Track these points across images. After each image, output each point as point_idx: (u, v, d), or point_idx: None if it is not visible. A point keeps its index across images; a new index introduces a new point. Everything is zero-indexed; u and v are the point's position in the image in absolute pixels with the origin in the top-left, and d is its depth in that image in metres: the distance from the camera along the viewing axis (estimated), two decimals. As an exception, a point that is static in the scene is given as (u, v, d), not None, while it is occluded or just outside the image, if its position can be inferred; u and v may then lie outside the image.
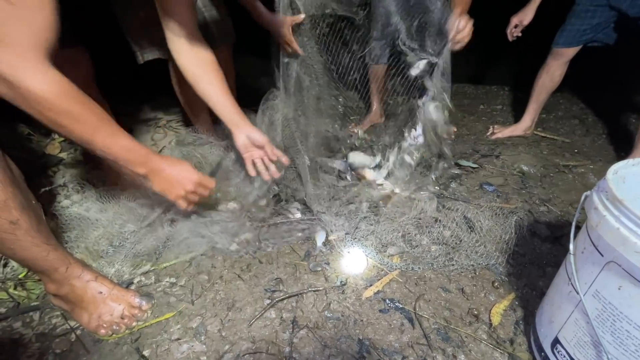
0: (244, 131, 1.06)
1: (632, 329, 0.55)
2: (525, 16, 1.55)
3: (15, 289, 0.94)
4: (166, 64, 1.40)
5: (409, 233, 1.11)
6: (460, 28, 1.14)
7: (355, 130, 1.60)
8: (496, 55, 2.51)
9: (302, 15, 1.19)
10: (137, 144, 0.77)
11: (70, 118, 0.67)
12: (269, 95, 1.35)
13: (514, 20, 1.59)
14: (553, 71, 1.62)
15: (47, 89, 0.62)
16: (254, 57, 1.87)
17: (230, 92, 1.02)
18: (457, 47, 1.18)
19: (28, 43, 0.58)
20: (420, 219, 1.16)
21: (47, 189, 1.27)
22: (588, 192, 0.64)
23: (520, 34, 1.61)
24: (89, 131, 0.70)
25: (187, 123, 1.60)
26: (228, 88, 1.01)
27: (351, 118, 1.67)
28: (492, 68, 2.58)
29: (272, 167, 1.13)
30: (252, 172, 1.12)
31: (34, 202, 0.81)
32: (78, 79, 0.98)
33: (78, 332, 0.83)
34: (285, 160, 1.12)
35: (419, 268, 1.00)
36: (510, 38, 1.63)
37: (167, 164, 0.83)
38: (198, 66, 0.94)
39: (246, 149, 1.08)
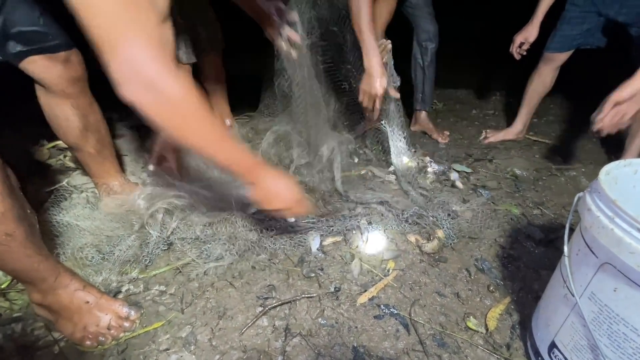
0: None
1: (629, 332, 0.54)
2: (529, 34, 1.54)
3: (-3, 299, 0.91)
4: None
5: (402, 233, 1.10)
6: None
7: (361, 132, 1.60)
8: (488, 61, 2.55)
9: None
10: (246, 154, 0.76)
11: (198, 128, 0.65)
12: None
13: (519, 38, 1.56)
14: (545, 76, 1.63)
15: (183, 95, 0.60)
16: (248, 63, 1.87)
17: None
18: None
19: (170, 56, 0.65)
20: (418, 217, 1.16)
21: (34, 195, 1.24)
22: (581, 194, 0.64)
23: (525, 53, 1.58)
24: (210, 140, 0.68)
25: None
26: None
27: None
28: (485, 73, 2.61)
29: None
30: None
31: (28, 211, 0.79)
32: (72, 81, 0.97)
33: (62, 344, 0.80)
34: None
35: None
36: (516, 57, 1.60)
37: (271, 178, 0.80)
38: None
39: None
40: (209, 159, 0.72)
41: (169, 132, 0.63)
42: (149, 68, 0.56)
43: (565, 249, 0.65)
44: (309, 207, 0.90)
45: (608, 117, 1.05)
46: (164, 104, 0.59)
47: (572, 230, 0.67)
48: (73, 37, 0.99)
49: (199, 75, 1.58)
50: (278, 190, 0.81)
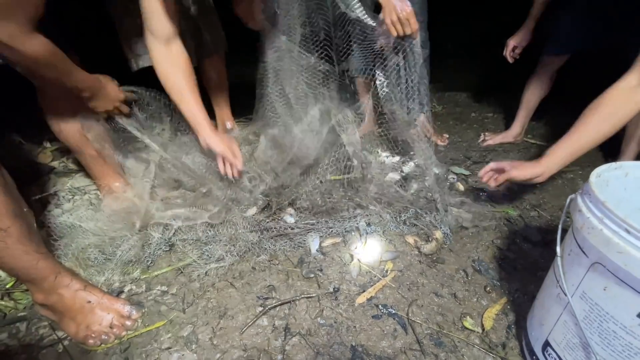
0: (207, 134, 1.14)
1: (619, 330, 0.55)
2: (522, 38, 1.56)
3: (1, 299, 0.92)
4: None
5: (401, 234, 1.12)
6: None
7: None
8: (487, 63, 2.56)
9: None
10: (84, 73, 1.00)
11: (51, 67, 0.89)
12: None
13: (512, 42, 1.58)
14: (543, 79, 1.65)
15: (38, 50, 0.83)
16: (248, 68, 1.89)
17: (198, 95, 1.10)
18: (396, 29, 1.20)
19: (24, 19, 0.78)
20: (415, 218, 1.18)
21: (37, 197, 1.26)
22: (573, 195, 0.66)
23: (518, 57, 1.60)
24: (62, 73, 0.92)
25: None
26: (198, 92, 1.10)
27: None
28: (484, 76, 2.63)
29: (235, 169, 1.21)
30: (222, 170, 1.21)
31: (25, 209, 0.81)
32: None
33: (66, 342, 0.82)
34: (239, 167, 1.20)
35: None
36: (510, 60, 1.63)
37: (100, 80, 1.05)
38: (172, 65, 1.07)
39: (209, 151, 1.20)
40: (68, 84, 0.96)
41: (31, 72, 0.90)
42: (11, 37, 0.78)
43: (558, 249, 0.66)
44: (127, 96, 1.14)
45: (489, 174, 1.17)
46: (19, 56, 0.82)
47: (565, 231, 0.69)
48: (70, 40, 1.01)
49: (201, 78, 1.60)
50: (107, 96, 1.06)
